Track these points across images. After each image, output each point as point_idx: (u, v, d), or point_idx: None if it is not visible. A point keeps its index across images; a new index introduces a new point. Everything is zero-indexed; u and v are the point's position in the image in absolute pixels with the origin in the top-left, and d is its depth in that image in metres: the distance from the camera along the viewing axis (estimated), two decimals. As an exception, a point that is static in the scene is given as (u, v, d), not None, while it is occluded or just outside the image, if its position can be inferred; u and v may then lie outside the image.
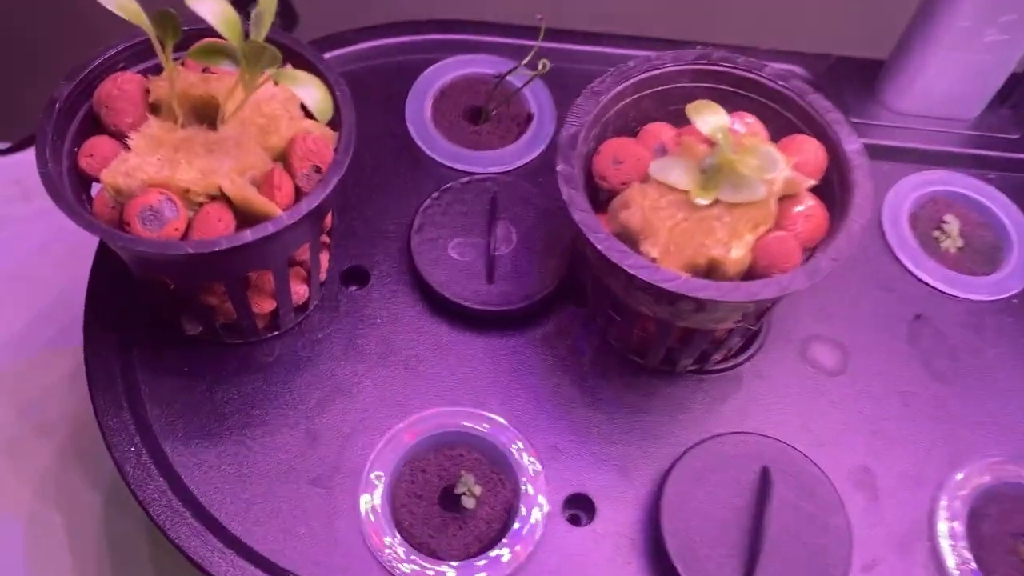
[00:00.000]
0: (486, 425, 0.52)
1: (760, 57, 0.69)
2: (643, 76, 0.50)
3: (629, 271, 0.43)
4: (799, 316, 0.59)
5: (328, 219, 0.53)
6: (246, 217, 0.45)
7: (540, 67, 0.59)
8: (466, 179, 0.60)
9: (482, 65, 0.66)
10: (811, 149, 0.48)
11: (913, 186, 0.65)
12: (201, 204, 0.45)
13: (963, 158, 0.67)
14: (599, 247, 0.44)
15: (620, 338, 0.54)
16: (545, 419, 0.54)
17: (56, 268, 0.79)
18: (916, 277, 0.61)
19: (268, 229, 0.42)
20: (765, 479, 0.50)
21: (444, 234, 0.57)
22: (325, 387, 0.54)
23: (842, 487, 0.51)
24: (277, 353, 0.54)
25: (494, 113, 0.64)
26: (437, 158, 0.62)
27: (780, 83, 0.50)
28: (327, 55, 0.66)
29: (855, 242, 0.45)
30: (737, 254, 0.44)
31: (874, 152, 0.66)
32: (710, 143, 0.46)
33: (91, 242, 0.56)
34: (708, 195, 0.45)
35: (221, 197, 0.44)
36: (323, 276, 0.54)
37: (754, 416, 0.55)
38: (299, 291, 0.52)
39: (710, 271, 0.45)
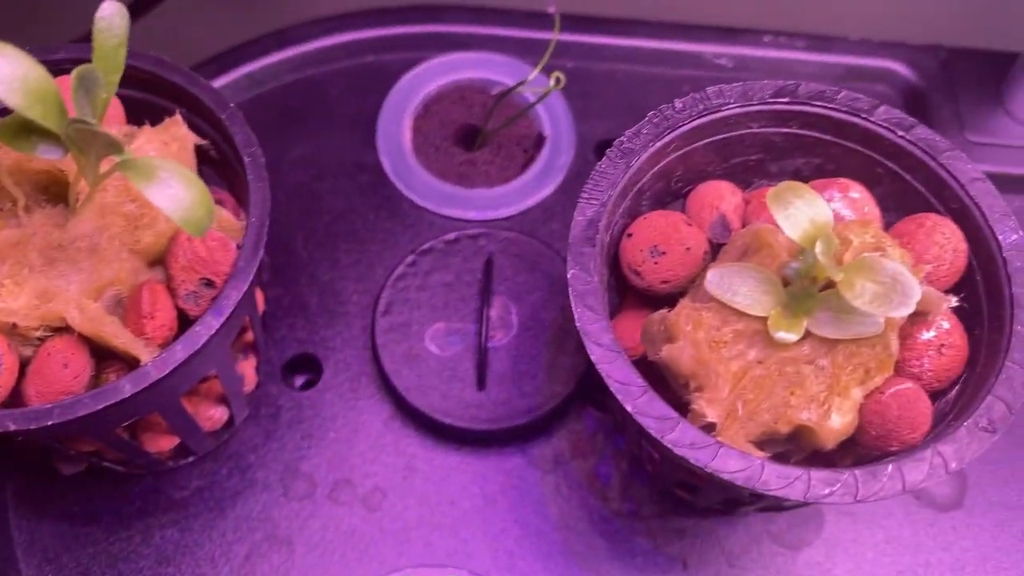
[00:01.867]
0: (474, 594, 0.38)
1: (850, 50, 0.53)
2: (695, 124, 0.34)
3: (675, 451, 0.28)
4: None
5: (259, 300, 0.39)
6: (108, 352, 0.31)
7: (553, 83, 0.43)
8: (452, 235, 0.44)
9: (480, 68, 0.50)
10: (947, 239, 0.32)
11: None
12: (41, 340, 0.30)
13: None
14: (629, 409, 0.29)
15: (660, 476, 0.39)
16: (557, 580, 0.40)
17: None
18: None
19: (122, 392, 0.28)
20: None
21: (420, 317, 0.42)
22: (257, 533, 0.40)
23: None
24: (194, 485, 0.41)
25: (494, 135, 0.48)
26: (418, 200, 0.47)
27: (901, 134, 0.34)
28: (273, 56, 0.50)
29: (1021, 397, 0.29)
30: (840, 421, 0.29)
31: (1005, 184, 0.50)
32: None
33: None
34: (796, 327, 0.29)
35: (68, 329, 0.30)
36: (250, 387, 0.40)
37: (843, 571, 0.40)
38: (213, 415, 0.38)
39: (795, 437, 0.30)
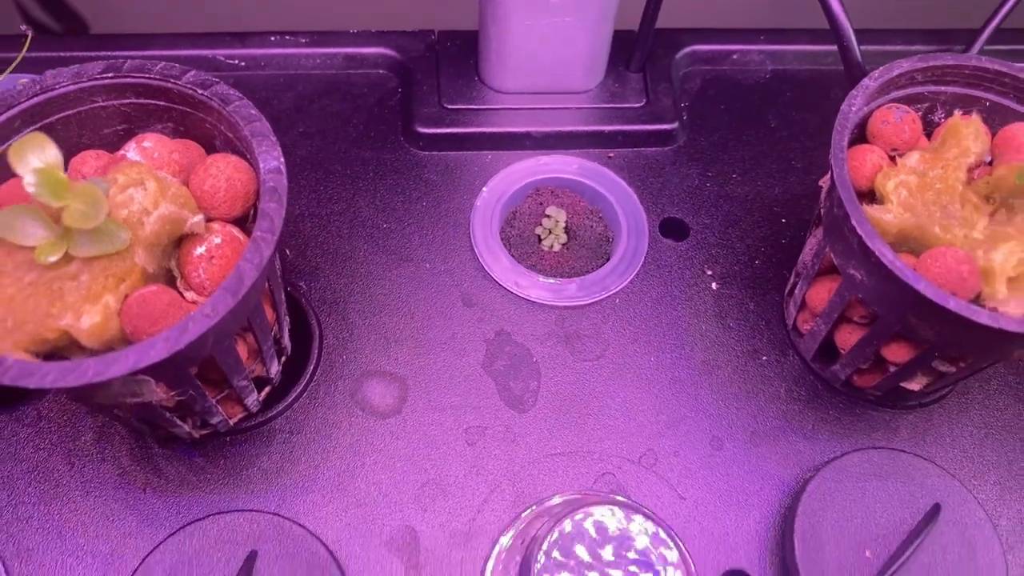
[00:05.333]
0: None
1: (349, 42, 0.61)
2: (33, 102, 0.40)
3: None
4: (359, 347, 0.51)
5: None
6: None
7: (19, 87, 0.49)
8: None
9: (6, 88, 0.56)
10: (220, 171, 0.39)
11: (515, 178, 0.56)
12: None
13: (578, 137, 0.58)
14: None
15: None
16: (18, 517, 0.45)
17: None
18: (500, 285, 0.53)
19: None
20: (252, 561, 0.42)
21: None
22: None
23: (347, 557, 0.43)
24: None
25: None
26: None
27: (202, 92, 0.40)
28: None
29: (235, 296, 0.35)
30: (89, 322, 0.35)
31: (476, 142, 0.57)
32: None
33: None
34: (57, 251, 0.36)
35: None
36: None
37: (288, 480, 0.46)
38: None
39: (74, 344, 0.36)
